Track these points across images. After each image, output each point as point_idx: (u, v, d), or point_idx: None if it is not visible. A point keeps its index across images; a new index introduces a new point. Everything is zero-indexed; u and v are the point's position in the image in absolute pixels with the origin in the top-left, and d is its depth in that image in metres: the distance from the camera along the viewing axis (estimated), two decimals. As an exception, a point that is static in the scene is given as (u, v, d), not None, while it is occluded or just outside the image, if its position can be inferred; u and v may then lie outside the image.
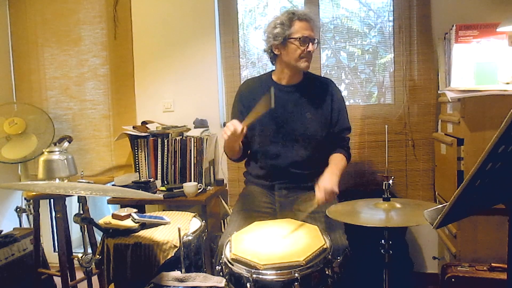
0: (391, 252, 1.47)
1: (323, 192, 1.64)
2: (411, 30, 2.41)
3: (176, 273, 1.44)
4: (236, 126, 1.64)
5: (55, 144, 2.32)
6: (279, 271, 1.27)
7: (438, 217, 0.91)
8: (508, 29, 1.90)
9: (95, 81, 2.91)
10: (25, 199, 2.85)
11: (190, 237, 1.58)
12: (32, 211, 2.27)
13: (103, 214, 3.23)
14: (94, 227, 1.66)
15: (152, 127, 2.63)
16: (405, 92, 2.45)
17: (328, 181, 1.69)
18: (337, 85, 2.01)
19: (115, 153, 2.89)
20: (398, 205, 1.46)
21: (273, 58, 1.94)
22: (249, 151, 2.04)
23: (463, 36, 1.99)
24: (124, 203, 2.31)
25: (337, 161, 1.87)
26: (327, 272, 1.34)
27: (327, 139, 1.93)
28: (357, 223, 1.33)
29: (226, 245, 1.48)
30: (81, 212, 2.15)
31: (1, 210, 2.96)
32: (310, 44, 1.83)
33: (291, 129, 1.90)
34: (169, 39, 2.75)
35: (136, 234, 1.62)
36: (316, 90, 1.94)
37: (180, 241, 1.48)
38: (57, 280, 2.25)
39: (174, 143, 2.53)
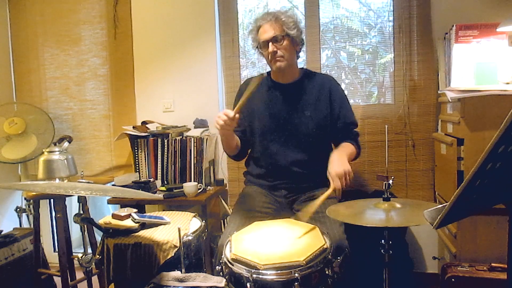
0: (391, 252, 1.47)
1: (337, 178, 1.59)
2: (411, 30, 2.41)
3: (176, 273, 1.44)
4: (227, 112, 1.64)
5: (55, 144, 2.31)
6: (279, 271, 1.27)
7: (438, 217, 0.91)
8: (508, 29, 1.90)
9: (95, 81, 2.91)
10: (25, 199, 2.85)
11: (190, 237, 1.58)
12: (32, 211, 2.27)
13: (103, 214, 3.23)
14: (94, 227, 1.66)
15: (152, 127, 2.62)
16: (405, 92, 2.45)
17: (338, 164, 1.64)
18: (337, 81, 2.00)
19: (115, 153, 2.89)
20: (398, 205, 1.46)
21: None
22: (249, 150, 2.04)
23: (463, 36, 1.99)
24: (124, 203, 2.31)
25: (343, 146, 1.85)
26: (327, 272, 1.34)
27: (328, 137, 1.93)
28: (357, 223, 1.33)
29: (226, 245, 1.48)
30: (81, 212, 2.16)
31: (1, 210, 2.96)
32: (270, 44, 1.82)
33: (291, 127, 1.89)
34: (169, 39, 2.75)
35: (136, 234, 1.61)
36: (315, 88, 1.93)
37: (180, 241, 1.48)
38: (57, 280, 2.25)
39: (174, 143, 2.53)
